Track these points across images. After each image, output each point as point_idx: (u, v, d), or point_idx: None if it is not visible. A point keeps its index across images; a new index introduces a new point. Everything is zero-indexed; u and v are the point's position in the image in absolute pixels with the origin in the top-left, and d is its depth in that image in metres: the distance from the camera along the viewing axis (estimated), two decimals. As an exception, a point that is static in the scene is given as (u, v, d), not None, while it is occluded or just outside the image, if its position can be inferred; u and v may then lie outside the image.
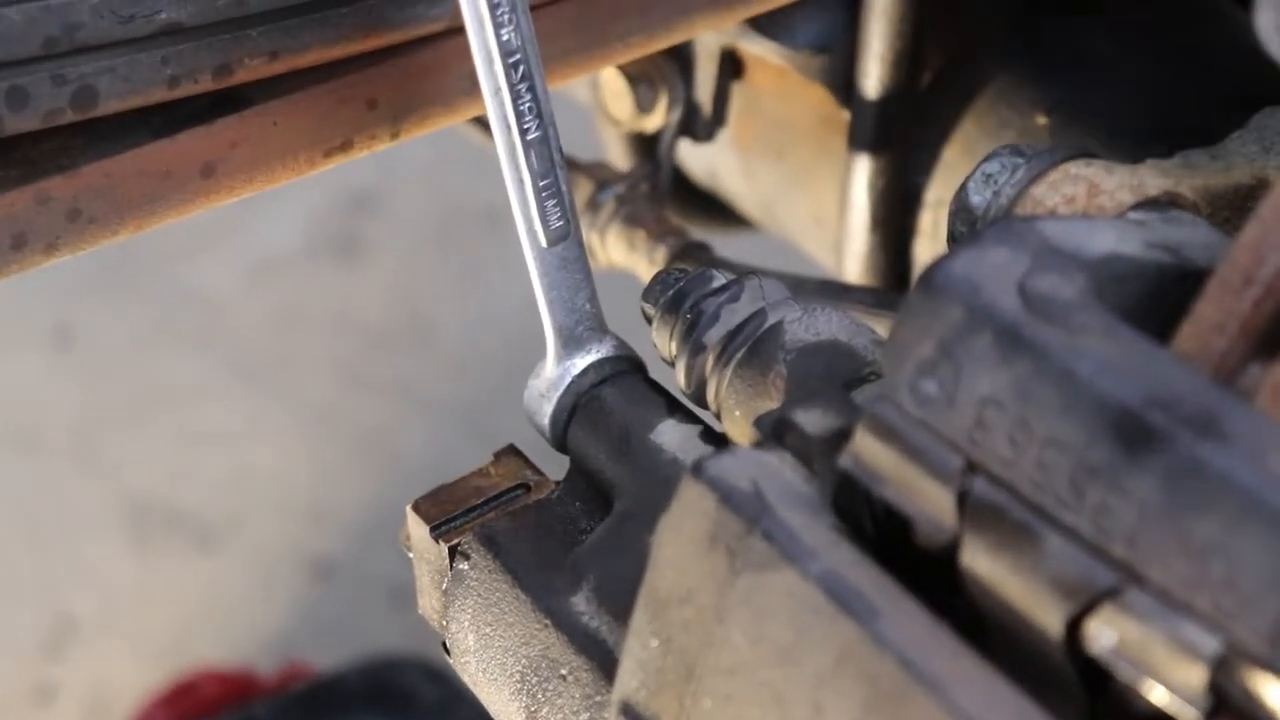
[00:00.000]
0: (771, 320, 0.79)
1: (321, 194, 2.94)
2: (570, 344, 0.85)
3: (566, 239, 0.85)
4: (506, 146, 0.83)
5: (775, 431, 0.68)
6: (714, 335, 0.80)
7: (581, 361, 0.85)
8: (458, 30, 0.86)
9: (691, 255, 1.21)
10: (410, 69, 0.86)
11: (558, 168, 0.85)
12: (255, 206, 2.88)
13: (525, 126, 0.83)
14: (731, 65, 1.26)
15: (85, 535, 2.49)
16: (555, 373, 0.85)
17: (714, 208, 1.38)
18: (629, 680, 0.69)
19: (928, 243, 1.16)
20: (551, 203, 0.85)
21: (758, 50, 1.21)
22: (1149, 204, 0.80)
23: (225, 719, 2.03)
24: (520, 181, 0.84)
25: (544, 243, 0.85)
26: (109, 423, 2.65)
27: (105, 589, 2.43)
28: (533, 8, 0.88)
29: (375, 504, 2.49)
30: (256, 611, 2.38)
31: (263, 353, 2.76)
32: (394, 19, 0.83)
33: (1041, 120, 1.11)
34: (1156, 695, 0.57)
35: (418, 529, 0.84)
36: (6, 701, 2.30)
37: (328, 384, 2.71)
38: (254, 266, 2.88)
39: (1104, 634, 0.59)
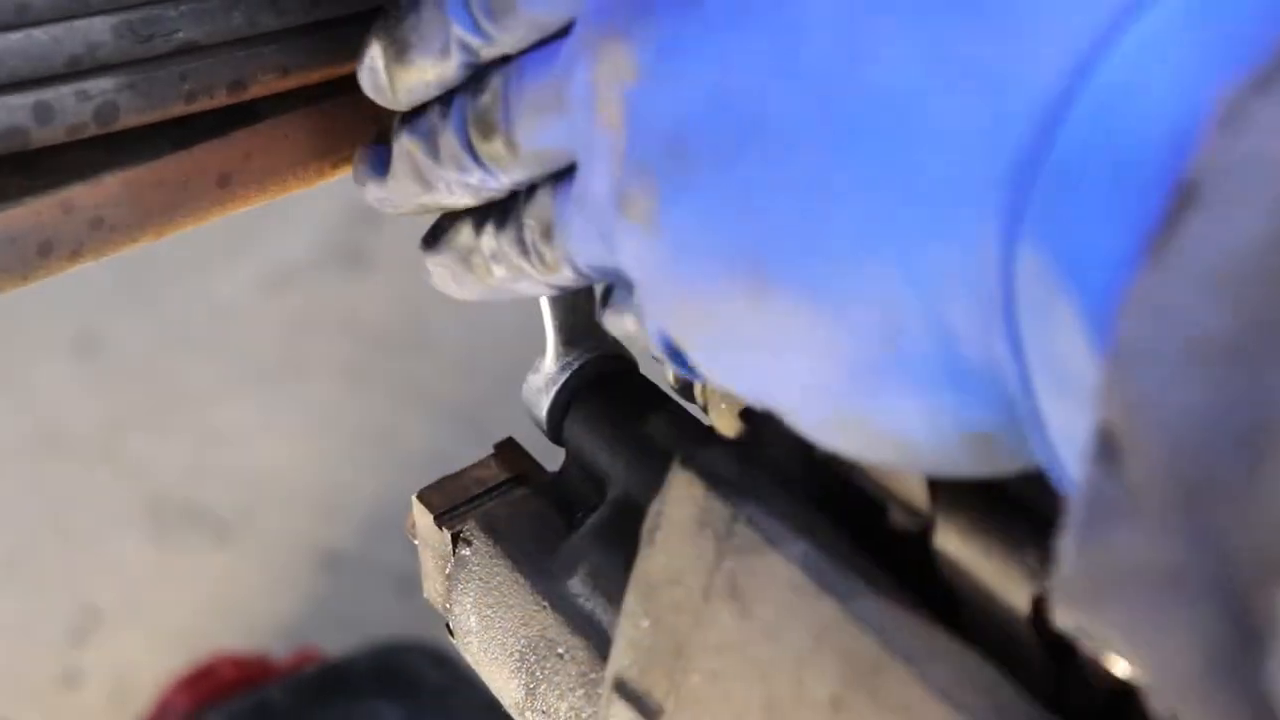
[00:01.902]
0: (755, 318, 0.79)
1: (330, 206, 2.93)
2: (570, 341, 0.85)
3: None
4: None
5: (760, 423, 0.68)
6: (701, 333, 0.80)
7: (579, 358, 0.85)
8: (458, 48, 0.87)
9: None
10: (414, 84, 0.86)
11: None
12: (267, 218, 2.88)
13: None
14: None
15: (109, 530, 2.49)
16: (554, 368, 0.85)
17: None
18: (622, 658, 0.69)
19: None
20: None
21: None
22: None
23: (241, 701, 2.03)
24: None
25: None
26: (131, 424, 2.65)
27: (128, 580, 2.42)
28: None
29: (381, 498, 2.49)
30: (270, 600, 2.38)
31: (275, 356, 2.76)
32: (398, 37, 0.83)
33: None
34: (1119, 667, 0.58)
35: (423, 517, 0.84)
36: (35, 687, 2.29)
37: (336, 385, 2.70)
38: (266, 275, 2.88)
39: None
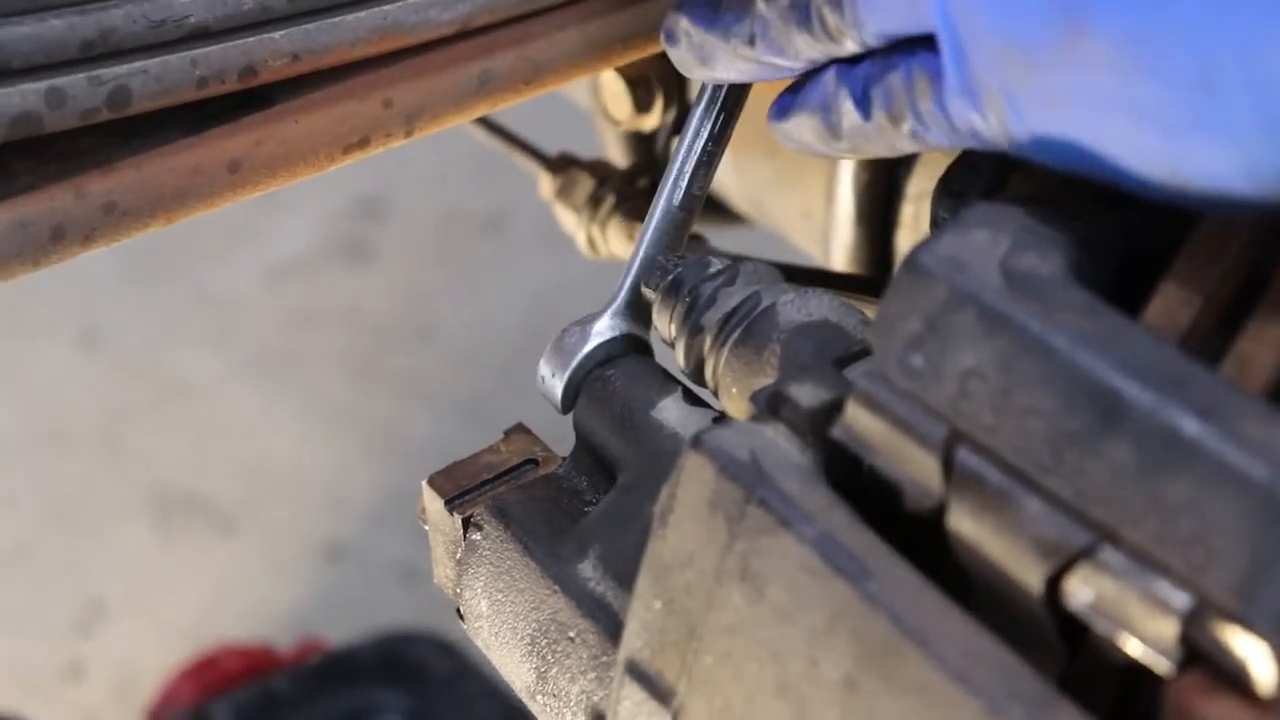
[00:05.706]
0: (766, 302, 0.79)
1: (332, 199, 2.94)
2: (632, 307, 0.84)
3: (690, 211, 0.85)
4: (711, 95, 0.84)
5: (771, 405, 0.68)
6: (711, 317, 0.80)
7: (605, 334, 0.84)
8: (469, 34, 0.87)
9: (687, 247, 1.21)
10: (424, 70, 0.86)
11: (724, 145, 0.85)
12: (270, 212, 2.89)
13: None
14: (723, 69, 1.26)
15: (113, 522, 2.49)
16: (571, 344, 0.84)
17: (708, 203, 1.38)
18: (634, 640, 0.69)
19: (909, 234, 1.16)
20: (702, 170, 0.85)
21: (747, 54, 1.20)
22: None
23: (246, 691, 2.03)
24: (696, 135, 0.83)
25: (675, 202, 0.84)
26: (134, 417, 2.65)
27: (132, 572, 2.43)
28: (536, 12, 0.88)
29: (384, 489, 2.49)
30: (274, 591, 2.39)
31: (277, 349, 2.76)
32: (408, 22, 0.83)
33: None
34: (1132, 647, 0.58)
35: (433, 502, 0.84)
36: (40, 678, 2.30)
37: (339, 378, 2.71)
38: (269, 269, 2.88)
39: (1081, 591, 0.59)
